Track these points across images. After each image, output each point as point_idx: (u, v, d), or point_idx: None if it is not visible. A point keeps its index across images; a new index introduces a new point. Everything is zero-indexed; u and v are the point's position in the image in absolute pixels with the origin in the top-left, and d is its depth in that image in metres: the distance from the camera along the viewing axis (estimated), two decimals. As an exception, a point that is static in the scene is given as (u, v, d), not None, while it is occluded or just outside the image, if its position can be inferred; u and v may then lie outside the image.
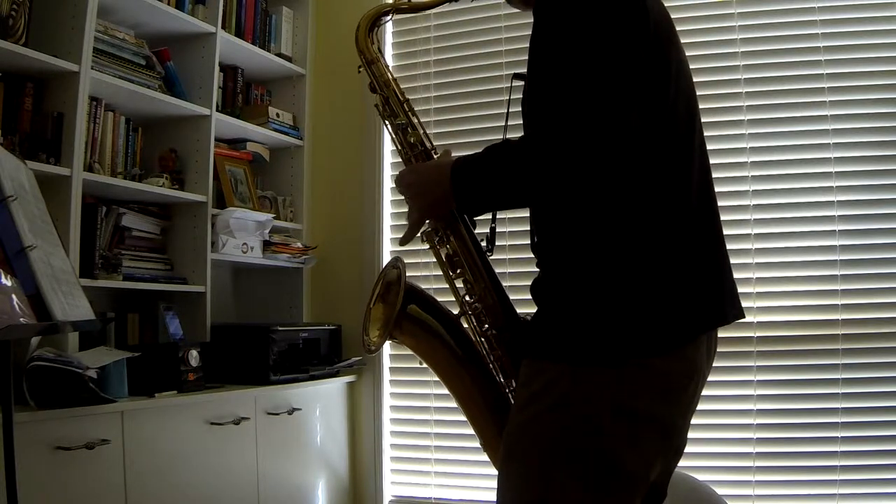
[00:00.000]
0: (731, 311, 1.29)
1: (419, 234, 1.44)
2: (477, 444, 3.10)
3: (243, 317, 3.16)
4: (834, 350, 2.55)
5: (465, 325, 1.48)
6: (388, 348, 3.14)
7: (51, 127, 2.23)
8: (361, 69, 1.55)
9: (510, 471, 1.22)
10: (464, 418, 3.13)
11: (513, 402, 1.38)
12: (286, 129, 3.18)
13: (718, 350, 1.31)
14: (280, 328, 2.74)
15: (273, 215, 3.01)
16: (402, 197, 1.43)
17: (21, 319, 1.37)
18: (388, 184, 3.21)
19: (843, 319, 2.56)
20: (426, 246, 1.47)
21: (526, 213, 1.39)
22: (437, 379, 3.14)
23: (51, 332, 1.92)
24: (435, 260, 1.48)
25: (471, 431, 3.10)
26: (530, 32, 1.20)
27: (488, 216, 1.48)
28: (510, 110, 1.45)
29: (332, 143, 3.28)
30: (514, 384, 1.42)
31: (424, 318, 1.49)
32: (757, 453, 2.56)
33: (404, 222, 3.34)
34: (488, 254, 1.45)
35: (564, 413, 1.16)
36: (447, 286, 1.47)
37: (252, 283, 3.20)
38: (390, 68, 1.56)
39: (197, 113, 2.72)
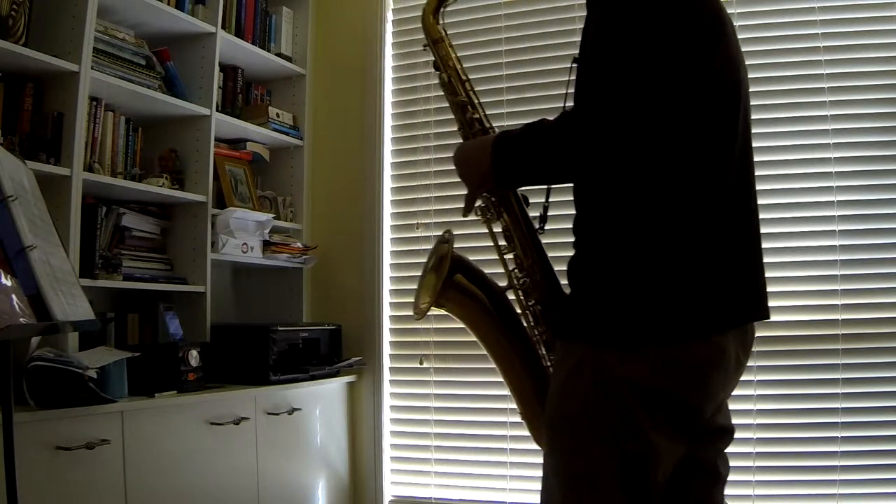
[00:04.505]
0: (756, 310, 1.33)
1: (475, 209, 1.51)
2: (477, 444, 3.13)
3: (243, 317, 3.16)
4: (834, 350, 2.54)
5: (513, 299, 1.53)
6: (387, 348, 3.14)
7: (51, 127, 2.23)
8: (426, 47, 1.61)
9: (551, 444, 1.30)
10: (464, 418, 3.16)
11: (551, 378, 1.44)
12: (286, 129, 3.18)
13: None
14: (280, 328, 2.74)
15: (273, 215, 3.01)
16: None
17: (21, 319, 1.37)
18: (388, 184, 3.21)
19: (843, 319, 2.55)
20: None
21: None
22: (437, 379, 3.17)
23: (51, 332, 1.92)
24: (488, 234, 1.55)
25: (471, 431, 3.14)
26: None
27: (542, 195, 1.53)
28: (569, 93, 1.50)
29: (332, 143, 3.28)
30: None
31: (470, 288, 1.55)
32: (757, 453, 2.56)
33: (404, 222, 3.35)
34: (539, 232, 1.51)
35: (594, 392, 1.22)
36: (498, 260, 1.53)
37: (252, 283, 3.20)
38: (455, 49, 1.61)
39: (197, 113, 2.72)
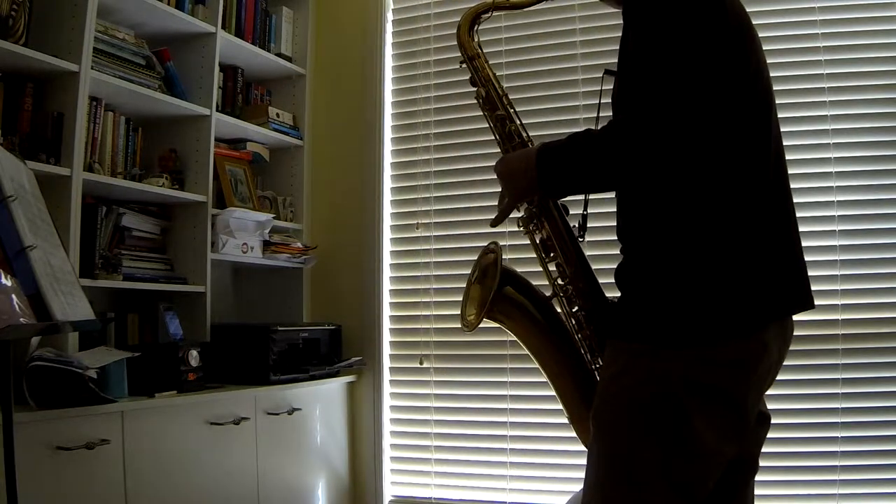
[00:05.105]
0: (800, 301, 1.36)
1: (518, 220, 1.56)
2: (477, 444, 3.13)
3: (243, 317, 3.16)
4: (834, 350, 2.55)
5: (557, 307, 1.58)
6: (387, 348, 3.14)
7: (51, 127, 2.23)
8: (463, 64, 1.65)
9: (598, 442, 1.33)
10: (464, 418, 3.16)
11: (599, 379, 1.47)
12: (286, 129, 3.18)
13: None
14: (280, 328, 2.74)
15: (273, 215, 3.01)
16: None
17: (21, 319, 1.37)
18: (387, 184, 3.21)
19: (843, 319, 2.56)
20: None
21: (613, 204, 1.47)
22: (437, 379, 3.18)
23: (51, 332, 1.92)
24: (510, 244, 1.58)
25: (471, 431, 3.13)
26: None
27: (580, 204, 1.57)
28: (601, 102, 1.53)
29: (332, 143, 3.28)
30: (600, 362, 1.51)
31: (519, 299, 1.59)
32: (757, 453, 2.56)
33: (404, 222, 3.35)
34: (580, 240, 1.55)
35: (645, 389, 1.26)
36: (535, 267, 1.57)
37: (252, 283, 3.20)
38: (489, 64, 1.64)
39: (197, 113, 2.72)
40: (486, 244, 1.68)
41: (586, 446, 1.49)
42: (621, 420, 1.29)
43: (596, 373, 1.53)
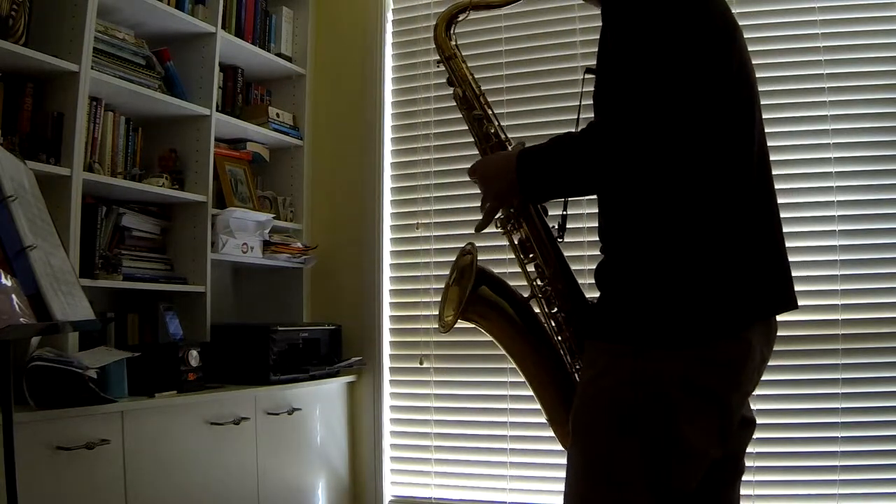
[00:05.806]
0: (784, 301, 1.35)
1: (496, 221, 1.53)
2: (477, 444, 3.13)
3: (243, 317, 3.16)
4: (834, 350, 2.55)
5: (535, 308, 1.56)
6: (387, 348, 3.14)
7: (51, 127, 2.23)
8: (440, 64, 1.65)
9: (577, 444, 1.31)
10: (464, 418, 3.16)
11: (578, 380, 1.46)
12: (286, 129, 3.18)
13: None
14: (280, 328, 2.74)
15: (273, 215, 3.01)
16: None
17: (21, 319, 1.37)
18: (387, 184, 3.21)
19: (843, 319, 2.55)
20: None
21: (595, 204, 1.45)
22: (437, 379, 3.17)
23: (51, 332, 1.92)
24: (507, 245, 1.58)
25: (471, 431, 3.13)
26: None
27: (560, 204, 1.55)
28: (582, 103, 1.51)
29: (332, 143, 3.28)
30: (580, 363, 1.49)
31: (495, 299, 1.57)
32: (757, 453, 2.56)
33: (404, 222, 3.35)
34: (559, 240, 1.53)
35: (628, 390, 1.24)
36: (513, 269, 1.57)
37: (252, 283, 3.20)
38: (468, 64, 1.65)
39: (197, 113, 2.72)
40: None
41: (565, 448, 1.48)
42: (600, 421, 1.27)
43: (576, 374, 1.51)
